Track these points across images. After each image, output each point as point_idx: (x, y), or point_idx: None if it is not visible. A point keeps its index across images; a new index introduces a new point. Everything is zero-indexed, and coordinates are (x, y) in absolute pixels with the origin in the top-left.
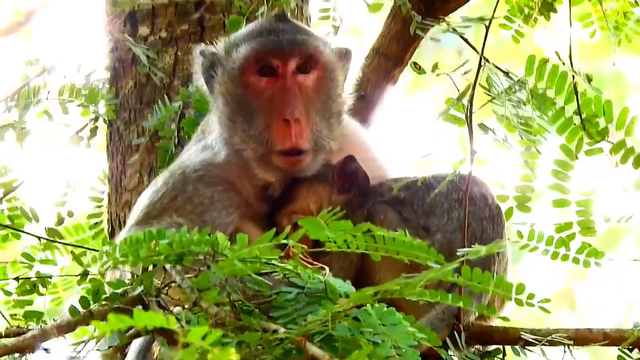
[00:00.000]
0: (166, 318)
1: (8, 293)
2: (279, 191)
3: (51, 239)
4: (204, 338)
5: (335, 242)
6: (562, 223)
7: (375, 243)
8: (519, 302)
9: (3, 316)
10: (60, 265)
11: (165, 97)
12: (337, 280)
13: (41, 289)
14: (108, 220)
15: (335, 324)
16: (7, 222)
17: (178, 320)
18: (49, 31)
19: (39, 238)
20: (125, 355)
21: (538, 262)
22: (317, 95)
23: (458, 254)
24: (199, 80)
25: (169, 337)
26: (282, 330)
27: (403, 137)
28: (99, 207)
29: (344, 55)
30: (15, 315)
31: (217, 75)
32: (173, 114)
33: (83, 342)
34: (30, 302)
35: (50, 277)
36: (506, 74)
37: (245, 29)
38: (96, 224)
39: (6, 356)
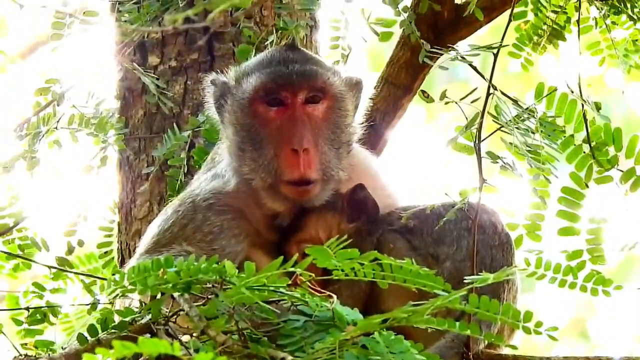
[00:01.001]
0: (171, 345)
1: (19, 322)
2: (288, 220)
3: (62, 268)
4: None
5: (342, 270)
6: (572, 251)
7: (383, 271)
8: (526, 330)
9: (14, 346)
10: (72, 295)
11: (175, 126)
12: (345, 308)
13: (52, 319)
14: (118, 249)
15: (342, 352)
16: (18, 252)
17: (186, 348)
18: (58, 60)
19: (50, 267)
20: None
21: (550, 292)
22: (326, 125)
23: (465, 281)
24: (210, 110)
25: None
26: (289, 358)
27: (412, 166)
28: (109, 236)
29: (355, 84)
30: (26, 344)
31: (227, 104)
32: (183, 143)
33: None
34: (41, 332)
35: (61, 306)
36: (515, 102)
37: (255, 58)
38: (106, 252)
39: None
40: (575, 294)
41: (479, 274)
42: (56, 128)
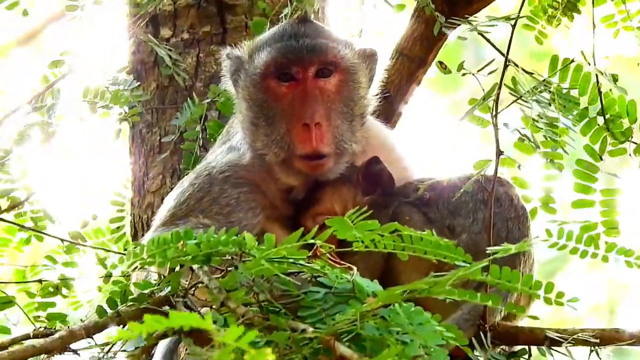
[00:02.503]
0: (202, 319)
1: (32, 295)
2: (303, 194)
3: (74, 241)
4: (239, 339)
5: (362, 242)
6: (588, 223)
7: (403, 243)
8: (548, 301)
9: (28, 318)
10: (83, 269)
11: (188, 99)
12: (365, 280)
13: (64, 292)
14: (131, 222)
15: (363, 323)
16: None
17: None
18: (71, 34)
19: (62, 240)
20: (151, 356)
21: (579, 274)
22: (339, 99)
23: (487, 252)
24: (226, 83)
25: (196, 337)
26: (310, 329)
27: (428, 138)
28: (121, 210)
29: (368, 56)
30: (39, 317)
31: (241, 79)
32: (197, 117)
33: (109, 343)
34: (53, 305)
35: (74, 279)
36: (530, 74)
37: (267, 33)
38: (118, 228)
39: (34, 357)
40: (608, 275)
41: (495, 246)
42: (70, 101)
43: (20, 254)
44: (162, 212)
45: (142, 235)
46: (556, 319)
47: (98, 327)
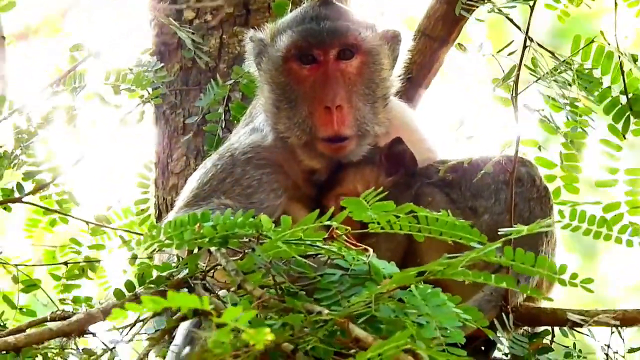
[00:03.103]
0: (200, 299)
1: (57, 277)
2: (326, 175)
3: (99, 223)
4: (236, 320)
5: (378, 223)
6: (610, 203)
7: (419, 224)
8: (562, 282)
9: (52, 301)
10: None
11: (212, 80)
12: (382, 262)
13: (90, 274)
14: (155, 204)
15: (379, 305)
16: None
17: (223, 302)
18: (93, 16)
19: (87, 223)
20: (172, 339)
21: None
22: (361, 81)
23: (500, 233)
24: (250, 66)
25: None
26: (326, 311)
27: (450, 118)
28: (146, 192)
29: (391, 38)
30: (65, 299)
31: (263, 62)
32: (220, 98)
33: (130, 325)
34: (78, 287)
35: (99, 261)
36: (552, 54)
37: (289, 15)
38: (142, 210)
39: (53, 340)
40: None
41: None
42: (93, 83)
43: (49, 234)
44: (185, 193)
45: (166, 216)
46: (596, 297)
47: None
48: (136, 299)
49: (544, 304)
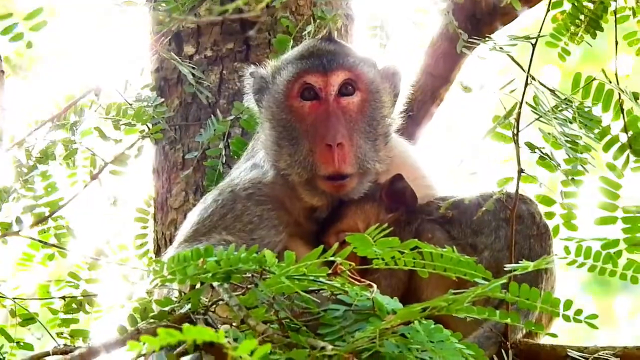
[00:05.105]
0: (215, 332)
1: (55, 312)
2: (327, 212)
3: (97, 257)
4: (252, 353)
5: (382, 259)
6: (609, 240)
7: (423, 260)
8: (566, 318)
9: (50, 334)
10: (106, 285)
11: (212, 115)
12: (385, 297)
13: (87, 308)
14: (154, 239)
15: (382, 341)
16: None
17: (226, 337)
18: (94, 51)
19: (87, 257)
20: None
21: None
22: (362, 118)
23: (505, 269)
24: (250, 102)
25: (217, 353)
26: (329, 347)
27: (450, 156)
28: (145, 227)
29: (392, 74)
30: (62, 333)
31: (264, 99)
32: (220, 134)
33: None
34: (76, 321)
35: (96, 295)
36: (552, 91)
37: (291, 52)
38: (141, 244)
39: None
40: None
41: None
42: (95, 113)
43: (45, 269)
44: (185, 229)
45: (165, 251)
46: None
47: (118, 344)
48: (139, 333)
49: (543, 340)
